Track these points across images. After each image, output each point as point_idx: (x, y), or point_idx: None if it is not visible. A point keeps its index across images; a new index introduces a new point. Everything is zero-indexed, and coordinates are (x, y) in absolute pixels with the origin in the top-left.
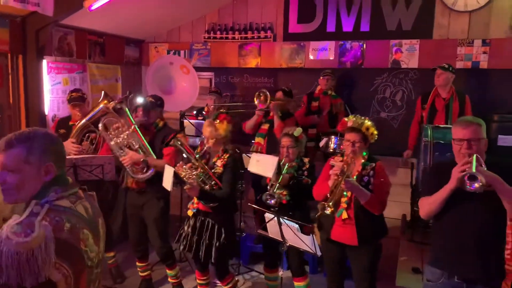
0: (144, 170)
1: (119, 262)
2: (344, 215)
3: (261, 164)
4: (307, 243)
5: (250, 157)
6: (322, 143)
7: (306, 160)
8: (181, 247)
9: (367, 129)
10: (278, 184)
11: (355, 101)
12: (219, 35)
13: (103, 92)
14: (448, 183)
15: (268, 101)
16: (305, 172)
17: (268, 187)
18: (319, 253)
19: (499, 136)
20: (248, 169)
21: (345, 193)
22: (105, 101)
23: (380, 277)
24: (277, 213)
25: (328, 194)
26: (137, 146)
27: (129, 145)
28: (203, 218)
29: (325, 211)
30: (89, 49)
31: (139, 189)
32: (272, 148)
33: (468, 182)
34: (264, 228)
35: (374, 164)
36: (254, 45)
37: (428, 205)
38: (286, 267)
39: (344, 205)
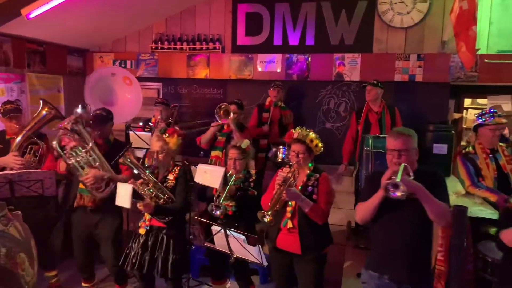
0: (103, 188)
1: (62, 282)
2: (289, 224)
3: (208, 175)
4: (253, 254)
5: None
6: (271, 154)
7: (253, 171)
8: (129, 266)
9: (311, 141)
10: (224, 195)
11: (302, 112)
12: (167, 46)
13: (41, 100)
14: (378, 191)
15: (230, 115)
16: (252, 184)
17: (214, 198)
18: (265, 263)
19: (434, 144)
20: (195, 180)
21: (290, 202)
22: (46, 109)
23: (326, 284)
24: (224, 225)
25: (269, 203)
26: (97, 164)
27: (89, 163)
28: (156, 234)
29: (264, 219)
30: (28, 58)
31: (94, 206)
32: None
33: (391, 189)
34: (212, 240)
35: (318, 175)
36: (202, 56)
37: (362, 211)
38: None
39: (288, 214)
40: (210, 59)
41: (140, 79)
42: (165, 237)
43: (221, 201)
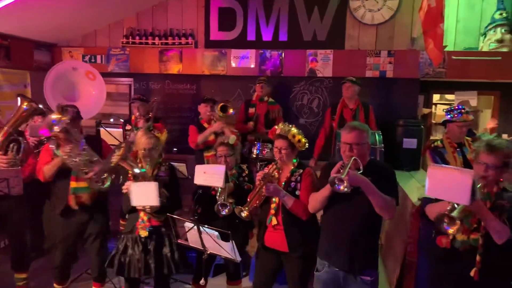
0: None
1: (31, 285)
2: (274, 221)
3: (209, 175)
4: (227, 249)
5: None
6: (244, 150)
7: (244, 166)
8: (134, 273)
9: (294, 136)
10: (226, 193)
11: None
12: (138, 40)
13: (18, 96)
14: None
15: (230, 111)
16: (246, 178)
17: (217, 197)
18: (239, 259)
19: (404, 139)
20: (195, 182)
21: (274, 199)
22: (26, 103)
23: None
24: (197, 222)
25: (248, 199)
26: (95, 159)
27: (87, 160)
28: (157, 234)
29: (242, 214)
30: None
31: (88, 204)
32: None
33: (337, 183)
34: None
35: (302, 170)
36: (175, 51)
37: (313, 201)
38: (212, 275)
39: (272, 211)
40: (183, 54)
41: (111, 74)
42: (164, 234)
43: (225, 199)
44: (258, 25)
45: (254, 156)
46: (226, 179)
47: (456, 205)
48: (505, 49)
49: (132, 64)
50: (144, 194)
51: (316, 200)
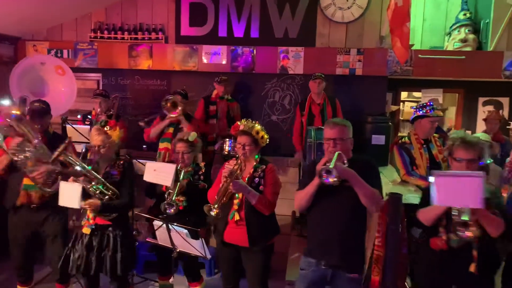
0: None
1: None
2: (236, 216)
3: (159, 172)
4: (196, 247)
5: (141, 163)
6: (217, 146)
7: (201, 164)
8: (74, 269)
9: (257, 132)
10: (176, 191)
11: (248, 105)
12: (107, 35)
13: None
14: (314, 179)
15: (179, 108)
16: (201, 177)
17: (166, 195)
18: (209, 256)
19: (373, 135)
20: (144, 178)
21: (237, 195)
22: None
23: (272, 273)
24: (166, 220)
25: (215, 196)
26: (47, 158)
27: (38, 158)
28: (101, 232)
29: (211, 213)
30: None
31: (41, 204)
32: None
33: (324, 175)
34: (154, 235)
35: (264, 166)
36: (145, 46)
37: (299, 199)
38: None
39: (235, 207)
40: (153, 49)
41: (78, 69)
42: (111, 234)
43: (173, 198)
44: (229, 21)
45: (226, 153)
46: (177, 178)
47: (461, 209)
48: (468, 48)
49: (100, 59)
50: (68, 195)
51: (302, 198)
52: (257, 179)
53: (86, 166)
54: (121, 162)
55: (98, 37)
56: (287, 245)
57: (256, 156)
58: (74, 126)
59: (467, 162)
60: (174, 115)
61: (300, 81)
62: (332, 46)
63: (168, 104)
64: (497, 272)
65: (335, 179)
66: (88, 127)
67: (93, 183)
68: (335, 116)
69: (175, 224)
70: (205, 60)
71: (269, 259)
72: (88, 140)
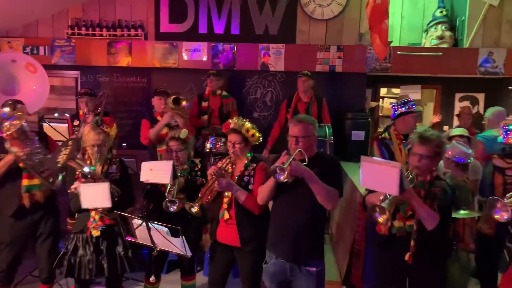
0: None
1: None
2: (226, 215)
3: (156, 171)
4: (177, 245)
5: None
6: (198, 144)
7: (197, 160)
8: (86, 274)
9: (247, 130)
10: (176, 189)
11: None
12: (85, 32)
13: None
14: None
15: (183, 103)
16: (198, 173)
17: (166, 193)
18: (189, 254)
19: (353, 131)
20: (141, 179)
21: (226, 193)
22: None
23: None
24: (145, 218)
25: (200, 194)
26: (47, 156)
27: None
28: (108, 233)
29: (192, 210)
30: None
31: (41, 202)
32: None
33: (278, 172)
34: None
35: (255, 165)
36: (124, 43)
37: (261, 193)
38: (165, 271)
39: (225, 205)
40: (132, 46)
41: (56, 67)
42: (117, 232)
43: (174, 195)
44: (210, 18)
45: (207, 150)
46: (175, 175)
47: (388, 196)
48: (445, 45)
49: (78, 56)
50: (95, 196)
51: (262, 192)
52: (247, 177)
53: (91, 167)
54: (117, 159)
55: (76, 33)
56: None
57: (248, 154)
58: (51, 124)
59: (420, 156)
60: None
61: (281, 78)
62: (312, 43)
63: (171, 100)
64: (448, 260)
65: (287, 178)
66: (66, 125)
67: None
68: (320, 115)
69: (155, 222)
70: (185, 57)
71: (262, 260)
72: (66, 138)
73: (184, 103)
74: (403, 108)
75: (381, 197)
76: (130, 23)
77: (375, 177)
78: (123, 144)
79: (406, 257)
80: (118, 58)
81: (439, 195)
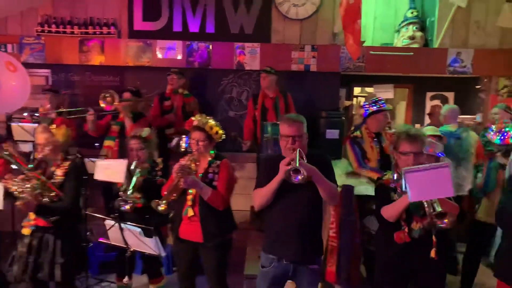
0: None
1: None
2: (190, 212)
3: (109, 170)
4: (150, 245)
5: (94, 163)
6: (173, 143)
7: (159, 160)
8: (15, 270)
9: (211, 128)
10: (131, 188)
11: (206, 100)
12: (55, 29)
13: None
14: (276, 176)
15: (115, 102)
16: (159, 172)
17: (121, 192)
18: (163, 254)
19: (327, 130)
20: (95, 177)
21: (190, 190)
22: None
23: (231, 268)
24: (118, 219)
25: (165, 192)
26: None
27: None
28: (41, 235)
29: (159, 208)
30: None
31: None
32: (124, 151)
33: (293, 175)
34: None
35: (219, 162)
36: (96, 41)
37: (260, 197)
38: (141, 271)
39: (189, 202)
40: (104, 44)
41: (25, 65)
42: (51, 238)
43: (128, 195)
44: (184, 16)
45: (182, 149)
46: (130, 174)
47: (425, 203)
48: (416, 45)
49: (48, 54)
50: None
51: (263, 196)
52: (211, 174)
53: (26, 164)
54: (68, 162)
55: (46, 31)
56: (245, 239)
57: (212, 152)
58: (20, 124)
59: (414, 154)
60: (108, 110)
61: (257, 77)
62: (287, 43)
63: (108, 99)
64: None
65: (303, 177)
66: (35, 125)
67: (32, 182)
68: (287, 110)
69: (128, 223)
70: (159, 55)
71: (226, 255)
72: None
73: (115, 102)
74: (374, 107)
75: (426, 205)
76: (102, 20)
77: (425, 185)
78: (96, 144)
79: (432, 253)
80: (90, 56)
81: None
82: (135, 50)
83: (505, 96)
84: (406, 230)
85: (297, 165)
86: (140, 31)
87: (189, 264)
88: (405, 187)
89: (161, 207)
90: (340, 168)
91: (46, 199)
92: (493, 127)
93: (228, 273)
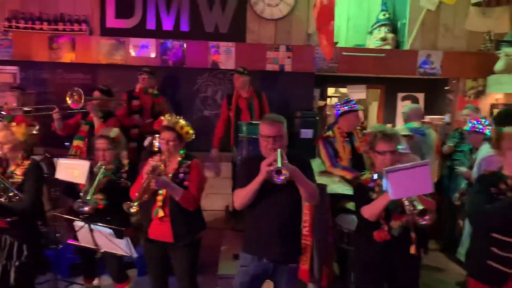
0: None
1: None
2: (160, 213)
3: (72, 170)
4: (121, 247)
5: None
6: (146, 142)
7: (125, 161)
8: None
9: (181, 128)
10: (93, 189)
11: (180, 99)
12: (23, 25)
13: None
14: (257, 176)
15: (82, 100)
16: (124, 174)
17: (81, 193)
18: (135, 255)
19: (301, 130)
20: (57, 176)
21: (160, 191)
22: None
23: (204, 269)
24: (88, 221)
25: (136, 193)
26: None
27: None
28: None
29: (131, 210)
30: None
31: None
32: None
33: (275, 175)
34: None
35: (189, 162)
36: (66, 38)
37: (241, 198)
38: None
39: (159, 203)
40: (76, 41)
41: None
42: (8, 239)
43: (88, 197)
44: (158, 14)
45: (156, 149)
46: (93, 175)
47: (406, 201)
48: (388, 47)
49: (16, 51)
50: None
51: (244, 196)
52: (181, 174)
53: None
54: (28, 161)
55: (13, 26)
56: (220, 239)
57: (182, 151)
58: None
59: (390, 153)
60: (75, 108)
61: (232, 76)
62: (262, 43)
63: (75, 97)
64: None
65: (286, 177)
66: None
67: None
68: (262, 111)
69: (99, 224)
70: (133, 53)
71: (196, 254)
72: None
73: (81, 103)
74: (346, 107)
75: (406, 204)
76: (73, 17)
77: (405, 183)
78: (66, 144)
79: (413, 250)
80: (60, 54)
81: None
82: (108, 48)
83: (472, 97)
84: (386, 228)
85: (280, 165)
86: (112, 29)
87: (160, 264)
88: (386, 186)
89: (133, 209)
90: (314, 167)
91: (3, 199)
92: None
93: (202, 273)
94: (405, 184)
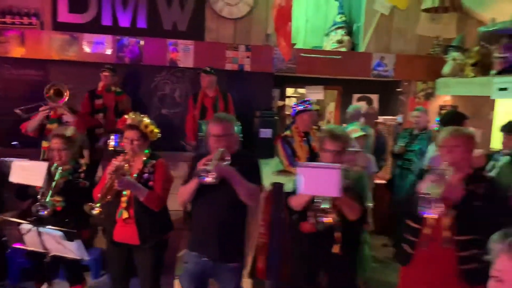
0: None
1: None
2: (125, 214)
3: (27, 172)
4: (72, 250)
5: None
6: (101, 142)
7: (82, 161)
8: None
9: (146, 126)
10: (50, 192)
11: (137, 97)
12: None
13: None
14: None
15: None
16: (82, 175)
17: (39, 196)
18: (87, 258)
19: (260, 129)
20: (11, 179)
21: (124, 192)
22: None
23: (164, 270)
24: (36, 223)
25: (99, 194)
26: None
27: None
28: None
29: (93, 212)
30: None
31: None
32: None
33: (202, 175)
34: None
35: (154, 161)
36: (15, 32)
37: (181, 194)
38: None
39: (123, 204)
40: (25, 36)
41: None
42: None
43: (47, 199)
44: (114, 9)
45: (111, 148)
46: (51, 177)
47: (318, 198)
48: (344, 49)
49: None
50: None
51: (184, 194)
52: (146, 174)
53: None
54: None
55: None
56: (178, 239)
57: (146, 151)
58: None
59: (333, 153)
60: (61, 104)
61: (191, 74)
62: (221, 41)
63: (52, 91)
64: (357, 251)
65: (213, 179)
66: None
67: None
68: (227, 110)
69: (47, 227)
70: (87, 50)
71: (162, 255)
72: None
73: (65, 96)
74: (301, 107)
75: (316, 200)
76: (23, 10)
77: (315, 182)
78: (15, 143)
79: (336, 249)
80: (8, 48)
81: (352, 186)
82: (60, 43)
83: (422, 98)
84: (312, 221)
85: (211, 166)
86: (65, 23)
87: (124, 267)
88: (299, 180)
89: (95, 211)
90: (271, 167)
91: None
92: None
93: (163, 274)
94: (315, 182)
